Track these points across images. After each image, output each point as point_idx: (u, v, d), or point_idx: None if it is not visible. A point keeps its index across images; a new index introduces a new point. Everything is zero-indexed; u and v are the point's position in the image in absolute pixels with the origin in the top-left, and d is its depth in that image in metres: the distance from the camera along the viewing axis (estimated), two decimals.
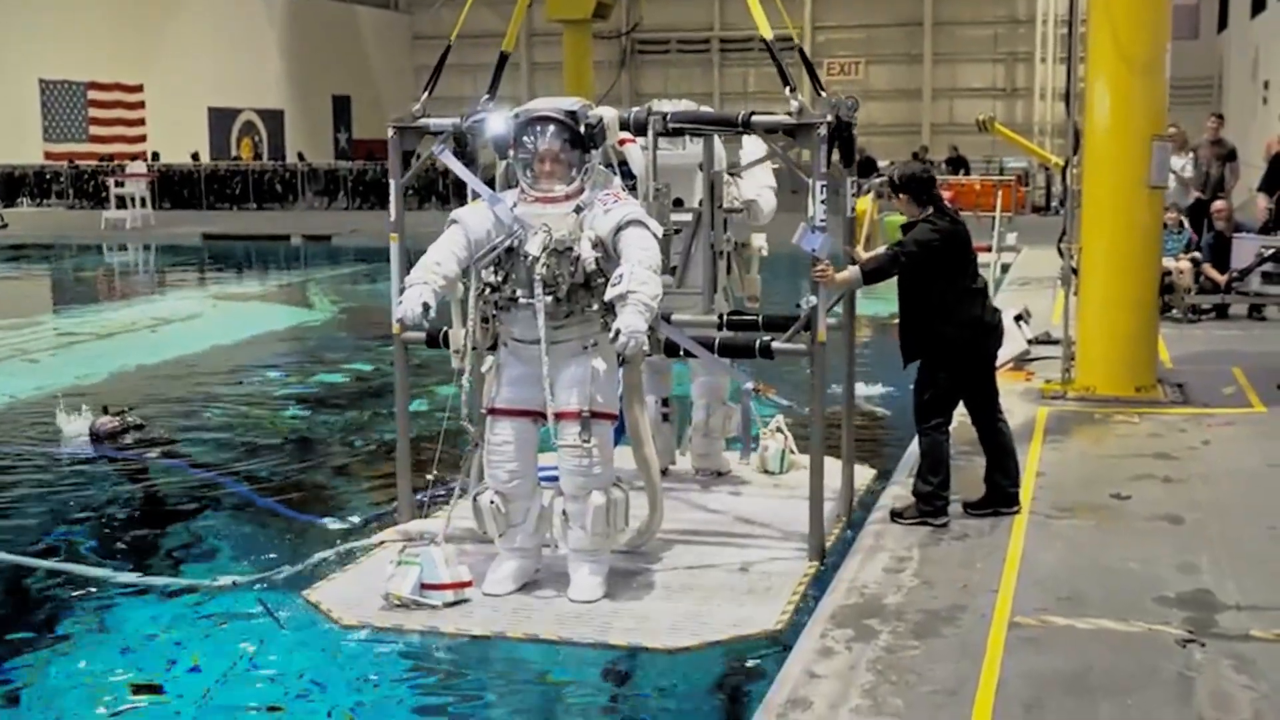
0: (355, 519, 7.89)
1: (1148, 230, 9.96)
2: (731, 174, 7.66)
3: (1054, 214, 26.13)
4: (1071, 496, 7.38)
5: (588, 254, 6.00)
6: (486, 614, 6.04)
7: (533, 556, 6.40)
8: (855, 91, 45.73)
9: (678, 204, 7.36)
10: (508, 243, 6.08)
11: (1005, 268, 19.15)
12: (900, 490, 7.44)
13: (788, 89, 6.54)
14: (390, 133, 7.09)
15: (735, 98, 43.95)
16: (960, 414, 7.00)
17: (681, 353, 6.96)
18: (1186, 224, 14.63)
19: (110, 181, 32.11)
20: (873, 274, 6.79)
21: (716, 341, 6.95)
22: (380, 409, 11.36)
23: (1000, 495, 7.00)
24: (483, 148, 6.84)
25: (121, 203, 31.11)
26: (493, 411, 6.26)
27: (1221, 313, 13.97)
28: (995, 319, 6.92)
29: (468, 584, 6.19)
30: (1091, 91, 9.92)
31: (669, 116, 6.71)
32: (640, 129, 6.73)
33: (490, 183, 6.66)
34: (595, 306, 6.08)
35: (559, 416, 6.11)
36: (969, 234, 6.89)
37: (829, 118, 6.51)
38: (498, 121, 6.42)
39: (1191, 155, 15.48)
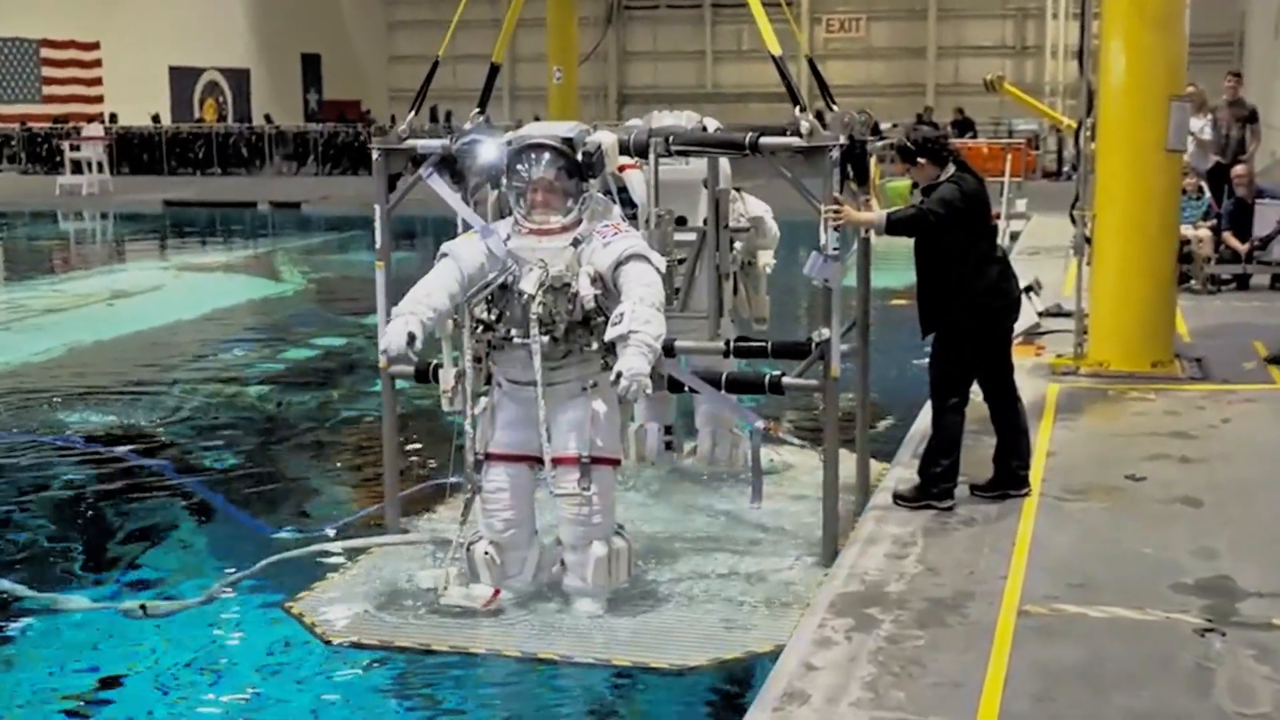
0: (331, 522, 7.69)
1: (1165, 196, 9.95)
2: (737, 189, 7.62)
3: (1066, 179, 26.10)
4: (1084, 478, 7.39)
5: (586, 291, 5.95)
6: (482, 630, 5.99)
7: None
8: (855, 50, 45.51)
9: (680, 223, 7.30)
10: (501, 279, 6.03)
11: (1014, 236, 19.15)
12: (904, 471, 7.44)
13: (797, 108, 6.49)
14: (375, 155, 7.05)
15: (729, 56, 43.83)
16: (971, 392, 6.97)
17: (686, 388, 6.94)
18: (1206, 189, 14.62)
19: (65, 145, 31.95)
20: (898, 225, 6.65)
21: (724, 377, 6.92)
22: (355, 387, 11.35)
23: (1010, 477, 7.01)
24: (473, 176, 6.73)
25: (77, 168, 30.97)
26: (487, 457, 6.21)
27: (1242, 283, 13.99)
28: (1015, 290, 6.90)
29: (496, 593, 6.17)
30: (1106, 49, 9.89)
31: (671, 139, 6.66)
32: (641, 152, 6.67)
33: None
34: (594, 346, 6.03)
35: (556, 462, 6.05)
36: (989, 196, 6.87)
37: (841, 139, 6.47)
38: (490, 149, 6.35)
39: (1210, 117, 15.46)
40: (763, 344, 7.16)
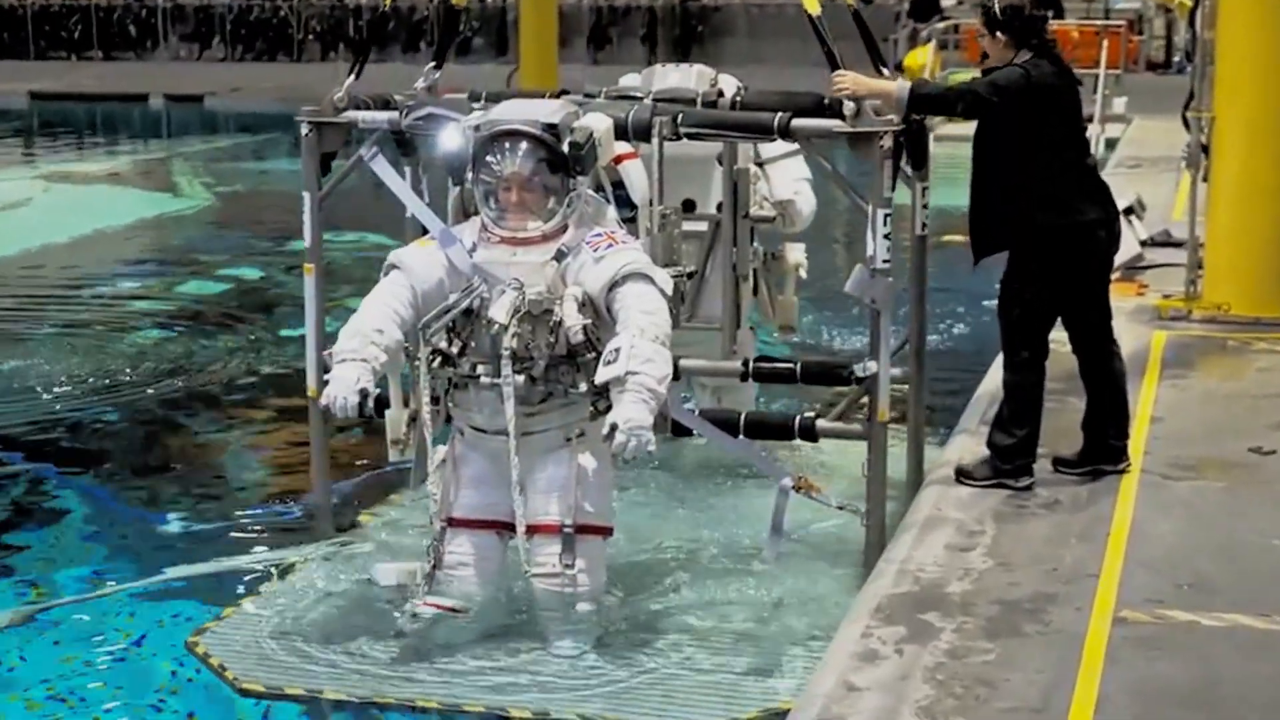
0: (249, 513, 7.73)
1: None
2: (760, 165, 7.61)
3: (1177, 73, 26.10)
4: (1197, 450, 7.42)
5: (572, 319, 5.89)
6: (438, 677, 5.94)
7: None
8: None
9: (689, 207, 7.28)
10: (466, 303, 5.97)
11: (1110, 144, 19.15)
12: (969, 441, 7.47)
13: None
14: (304, 131, 7.04)
15: None
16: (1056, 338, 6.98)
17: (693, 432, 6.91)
18: None
19: None
20: (924, 100, 6.61)
21: (742, 418, 6.90)
22: (273, 330, 11.35)
23: (1103, 449, 7.03)
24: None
25: None
26: (449, 522, 6.19)
27: None
28: (1111, 210, 6.88)
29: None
30: None
31: (680, 118, 6.62)
32: (642, 134, 6.60)
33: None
34: (582, 388, 5.99)
35: (532, 530, 6.05)
36: (1078, 90, 6.82)
37: (894, 120, 6.46)
38: (452, 135, 6.29)
39: None
40: (790, 365, 7.14)
